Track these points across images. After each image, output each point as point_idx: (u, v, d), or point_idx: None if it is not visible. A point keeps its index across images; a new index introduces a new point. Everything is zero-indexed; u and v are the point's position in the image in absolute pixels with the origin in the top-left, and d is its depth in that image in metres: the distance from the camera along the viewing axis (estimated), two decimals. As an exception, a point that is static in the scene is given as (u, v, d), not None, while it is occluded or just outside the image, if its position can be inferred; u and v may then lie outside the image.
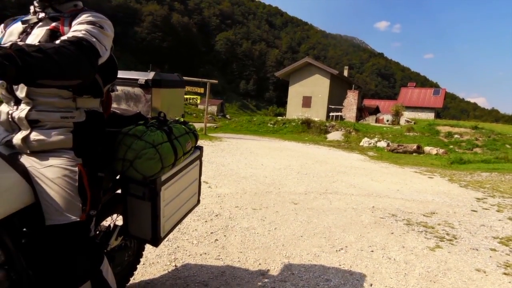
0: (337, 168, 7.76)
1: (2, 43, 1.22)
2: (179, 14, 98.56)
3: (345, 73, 31.35)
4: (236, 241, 2.85)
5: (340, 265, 2.55)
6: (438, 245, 3.16)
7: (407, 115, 26.89)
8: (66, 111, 1.16)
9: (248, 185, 5.15)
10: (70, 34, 1.08)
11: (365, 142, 15.85)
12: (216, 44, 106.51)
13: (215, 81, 20.18)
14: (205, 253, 2.48)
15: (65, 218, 1.09)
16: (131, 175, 1.36)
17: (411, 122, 23.10)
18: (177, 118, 1.67)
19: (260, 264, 2.44)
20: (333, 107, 25.25)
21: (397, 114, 25.88)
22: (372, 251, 2.90)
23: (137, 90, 1.71)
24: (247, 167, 6.87)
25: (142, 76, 1.68)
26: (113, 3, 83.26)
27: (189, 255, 2.44)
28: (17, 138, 1.12)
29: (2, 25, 1.30)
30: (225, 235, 2.97)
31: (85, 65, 1.02)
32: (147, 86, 1.69)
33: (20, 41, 1.18)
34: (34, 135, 1.11)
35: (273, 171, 6.65)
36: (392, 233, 3.42)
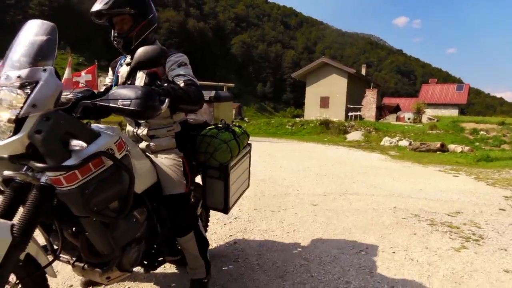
0: (357, 169, 7.65)
1: (118, 83, 1.75)
2: (194, 20, 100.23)
3: (363, 71, 30.84)
4: (255, 244, 2.87)
5: (360, 266, 2.52)
6: (464, 246, 3.06)
7: (429, 112, 26.09)
8: (169, 126, 1.75)
9: (266, 187, 5.17)
10: (183, 78, 1.58)
11: (386, 141, 15.51)
12: (232, 48, 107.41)
13: (232, 85, 20.33)
14: (224, 256, 2.52)
15: (176, 190, 1.66)
16: (210, 163, 1.93)
17: (433, 119, 22.41)
18: (233, 123, 2.25)
19: (278, 266, 2.44)
20: (351, 106, 24.87)
21: (418, 112, 25.17)
22: (394, 252, 2.85)
23: (204, 105, 2.12)
24: (266, 170, 6.89)
25: (207, 94, 2.21)
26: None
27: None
28: (142, 145, 1.75)
29: (110, 69, 1.86)
30: (243, 238, 3.00)
31: (202, 96, 1.56)
32: (210, 101, 2.26)
33: (130, 83, 1.67)
34: (153, 144, 1.74)
35: (292, 173, 6.64)
36: (415, 234, 3.34)
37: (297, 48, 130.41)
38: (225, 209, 2.06)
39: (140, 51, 1.37)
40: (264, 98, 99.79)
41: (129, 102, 1.19)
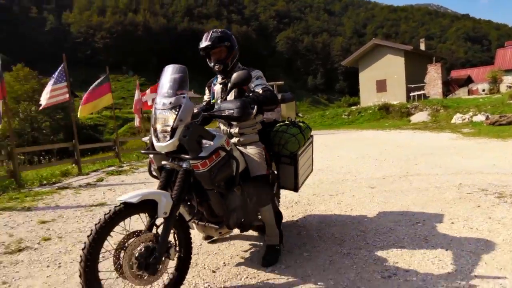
0: (421, 150, 7.49)
1: (215, 98, 2.40)
2: (237, 25, 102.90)
3: (422, 46, 28.83)
4: (315, 221, 3.25)
5: (415, 235, 2.72)
6: (533, 213, 3.03)
7: (508, 80, 23.37)
8: (253, 125, 2.38)
9: (324, 175, 5.47)
10: (260, 86, 2.22)
11: (457, 118, 14.44)
12: (277, 45, 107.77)
13: (281, 82, 20.74)
14: (288, 231, 2.93)
15: (260, 172, 2.25)
16: (283, 152, 2.56)
17: (513, 86, 20.12)
18: (298, 120, 2.80)
19: (336, 237, 2.79)
20: (413, 86, 23.46)
21: (495, 81, 22.80)
22: (453, 223, 2.96)
23: None
24: (323, 160, 7.16)
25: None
26: (178, 29, 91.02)
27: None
28: (233, 140, 2.33)
29: (206, 88, 2.53)
30: (304, 217, 3.40)
31: (276, 98, 2.18)
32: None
33: (223, 97, 2.33)
34: (242, 139, 2.36)
35: (350, 161, 6.81)
36: (479, 206, 3.34)
37: (344, 34, 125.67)
38: (295, 188, 2.67)
39: (235, 75, 2.01)
40: (316, 91, 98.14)
41: (233, 111, 1.84)
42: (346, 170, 5.86)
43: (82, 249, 1.59)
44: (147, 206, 1.73)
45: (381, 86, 25.39)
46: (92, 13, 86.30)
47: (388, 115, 19.53)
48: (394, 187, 4.41)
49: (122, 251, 1.67)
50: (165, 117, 1.83)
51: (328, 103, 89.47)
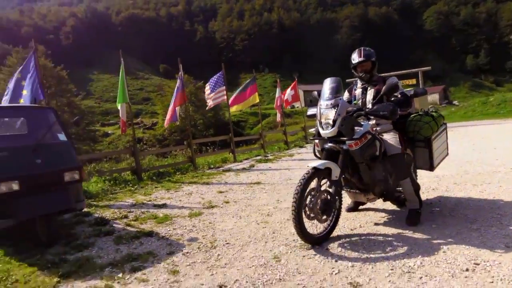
0: None
1: (356, 100, 3.24)
2: (375, 7, 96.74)
3: None
4: (450, 204, 3.58)
5: None
6: None
7: None
8: None
9: (471, 167, 5.34)
10: (399, 91, 3.00)
11: None
12: (424, 24, 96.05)
13: (428, 68, 18.99)
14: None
15: (395, 151, 2.96)
16: (418, 138, 3.20)
17: None
18: (431, 110, 3.39)
19: (469, 217, 3.07)
20: None
21: None
22: None
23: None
24: (474, 152, 6.80)
25: (407, 93, 3.30)
26: (311, 21, 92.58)
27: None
28: (374, 130, 3.03)
29: (346, 91, 3.36)
30: (439, 201, 3.73)
31: (410, 102, 3.17)
32: (412, 97, 3.42)
33: (363, 98, 3.19)
34: (378, 128, 3.11)
35: (509, 153, 6.24)
36: None
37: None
38: (431, 168, 3.30)
39: (387, 85, 2.92)
40: (477, 73, 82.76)
41: (386, 113, 2.74)
42: (501, 162, 5.48)
43: (293, 207, 2.60)
44: (325, 171, 2.71)
45: None
46: (232, 19, 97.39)
47: None
48: (559, 180, 4.06)
49: (309, 200, 2.70)
50: (327, 113, 2.84)
51: (495, 86, 74.43)
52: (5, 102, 6.06)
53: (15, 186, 3.04)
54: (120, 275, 2.52)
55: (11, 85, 5.74)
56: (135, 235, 3.37)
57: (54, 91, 25.50)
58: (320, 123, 2.89)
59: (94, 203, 4.87)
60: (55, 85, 26.26)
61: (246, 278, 2.33)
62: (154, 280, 2.42)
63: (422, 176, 4.85)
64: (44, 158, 3.32)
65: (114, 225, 3.80)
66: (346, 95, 3.37)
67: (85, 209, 4.19)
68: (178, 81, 8.18)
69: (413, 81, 17.84)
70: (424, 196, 3.92)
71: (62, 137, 3.73)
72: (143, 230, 3.50)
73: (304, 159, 8.46)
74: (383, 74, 10.02)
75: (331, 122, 2.78)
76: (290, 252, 2.70)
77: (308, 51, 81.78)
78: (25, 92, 5.32)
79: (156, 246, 3.08)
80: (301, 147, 11.78)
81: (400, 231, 2.94)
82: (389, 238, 2.82)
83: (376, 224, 3.20)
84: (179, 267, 2.59)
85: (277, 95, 11.86)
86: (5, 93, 6.08)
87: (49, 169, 3.31)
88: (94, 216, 4.19)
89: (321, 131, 2.88)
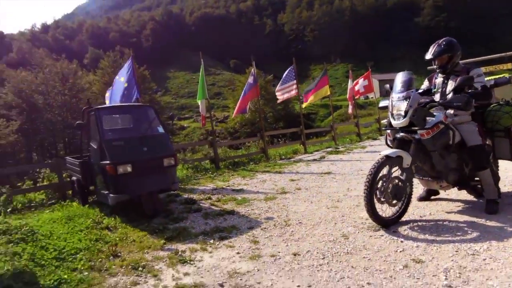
0: None
1: (436, 89, 3.36)
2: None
3: None
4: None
5: None
6: None
7: None
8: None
9: None
10: (480, 84, 3.11)
11: None
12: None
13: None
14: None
15: (475, 142, 3.07)
16: (497, 128, 3.22)
17: None
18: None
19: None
20: None
21: None
22: None
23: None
24: None
25: (487, 83, 3.32)
26: (388, 5, 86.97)
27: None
28: (448, 120, 3.12)
29: (426, 79, 3.54)
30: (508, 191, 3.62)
31: (490, 94, 3.22)
32: (492, 87, 3.44)
33: (443, 88, 3.29)
34: (456, 119, 3.20)
35: None
36: None
37: None
38: None
39: (460, 80, 2.98)
40: None
41: (461, 104, 2.85)
42: None
43: (365, 189, 2.87)
44: (397, 159, 2.92)
45: None
46: (301, 10, 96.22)
47: None
48: None
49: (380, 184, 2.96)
50: (399, 105, 3.05)
51: None
52: (107, 99, 7.30)
53: (129, 168, 3.87)
54: (211, 241, 3.11)
55: (114, 86, 6.89)
56: (219, 212, 3.97)
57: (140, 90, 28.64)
58: (392, 114, 3.11)
59: (182, 186, 5.68)
60: (140, 84, 29.45)
61: (317, 250, 2.72)
62: (239, 246, 2.94)
63: (508, 169, 4.66)
64: (148, 146, 4.11)
65: (201, 204, 4.48)
66: (426, 83, 3.50)
67: (175, 191, 4.97)
68: (251, 76, 8.77)
69: (508, 66, 15.96)
70: (505, 189, 3.83)
71: (160, 129, 4.54)
72: (226, 209, 4.09)
73: (377, 151, 8.37)
74: (471, 60, 9.28)
75: (402, 113, 2.98)
76: (358, 232, 3.00)
77: (383, 38, 77.16)
78: (126, 93, 6.36)
79: (238, 222, 3.63)
80: (375, 139, 11.59)
81: (472, 219, 3.03)
82: (460, 225, 2.93)
83: (447, 212, 3.30)
84: (258, 239, 3.08)
85: (349, 86, 11.78)
86: (108, 94, 7.31)
87: (153, 156, 4.09)
88: (183, 197, 4.94)
89: (393, 122, 3.10)
